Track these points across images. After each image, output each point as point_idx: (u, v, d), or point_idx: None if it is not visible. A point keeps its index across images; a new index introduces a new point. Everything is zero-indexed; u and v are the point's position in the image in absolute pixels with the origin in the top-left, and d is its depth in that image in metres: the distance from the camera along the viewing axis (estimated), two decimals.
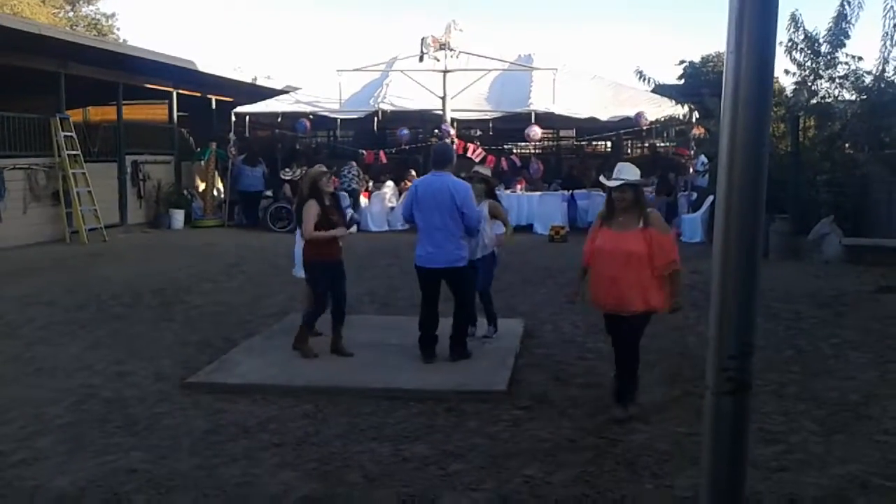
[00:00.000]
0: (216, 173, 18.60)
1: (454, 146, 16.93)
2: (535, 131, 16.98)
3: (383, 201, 17.37)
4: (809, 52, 12.98)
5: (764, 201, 1.81)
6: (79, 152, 15.17)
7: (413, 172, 17.65)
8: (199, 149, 19.39)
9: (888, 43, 11.97)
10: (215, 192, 18.64)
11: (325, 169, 6.82)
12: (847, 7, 12.46)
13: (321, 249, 6.55)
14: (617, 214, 5.20)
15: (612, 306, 5.18)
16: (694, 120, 16.12)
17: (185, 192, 18.63)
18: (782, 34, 13.17)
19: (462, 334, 6.50)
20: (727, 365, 1.84)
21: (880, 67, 12.44)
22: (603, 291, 5.18)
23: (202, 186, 18.66)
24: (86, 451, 4.66)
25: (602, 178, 5.59)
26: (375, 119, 17.55)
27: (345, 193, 16.36)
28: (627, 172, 5.21)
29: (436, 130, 18.07)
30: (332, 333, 6.65)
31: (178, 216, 17.73)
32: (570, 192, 17.48)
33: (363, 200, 17.13)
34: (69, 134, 15.02)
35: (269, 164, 18.63)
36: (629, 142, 22.84)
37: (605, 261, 5.14)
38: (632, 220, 5.13)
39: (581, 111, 17.33)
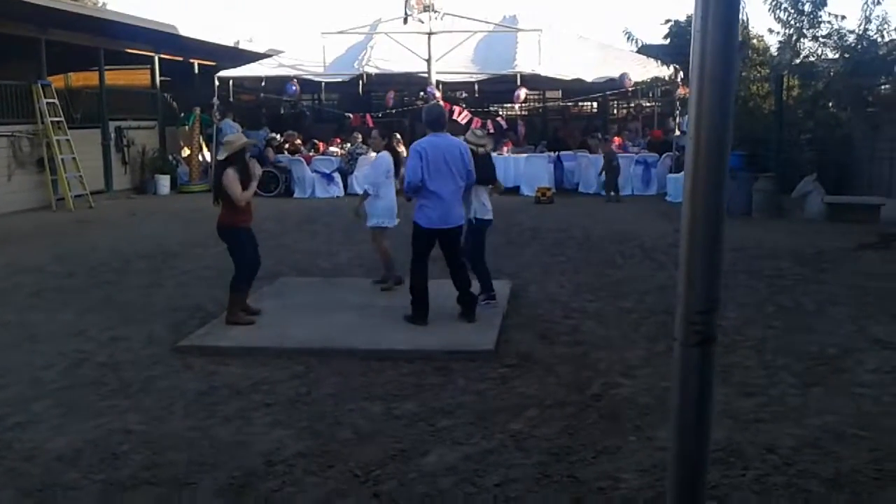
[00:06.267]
0: (201, 138, 18.48)
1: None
2: (521, 94, 16.93)
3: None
4: (793, 11, 13.01)
5: (727, 167, 1.91)
6: (62, 119, 15.05)
7: (398, 136, 17.59)
8: (182, 114, 19.25)
9: (870, 1, 12.01)
10: (200, 158, 18.53)
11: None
12: None
13: (242, 216, 6.56)
14: None
15: None
16: (679, 80, 16.10)
17: (171, 157, 18.53)
18: None
19: (471, 291, 6.55)
20: (694, 319, 1.94)
21: (863, 26, 12.51)
22: None
23: (187, 152, 18.55)
24: (81, 414, 4.74)
25: None
26: (360, 82, 17.45)
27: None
28: None
29: (421, 93, 18.00)
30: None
31: (164, 182, 17.66)
32: (557, 153, 17.51)
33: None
34: (51, 101, 14.89)
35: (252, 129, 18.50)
36: (615, 102, 22.84)
37: None
38: None
39: (567, 72, 17.26)
